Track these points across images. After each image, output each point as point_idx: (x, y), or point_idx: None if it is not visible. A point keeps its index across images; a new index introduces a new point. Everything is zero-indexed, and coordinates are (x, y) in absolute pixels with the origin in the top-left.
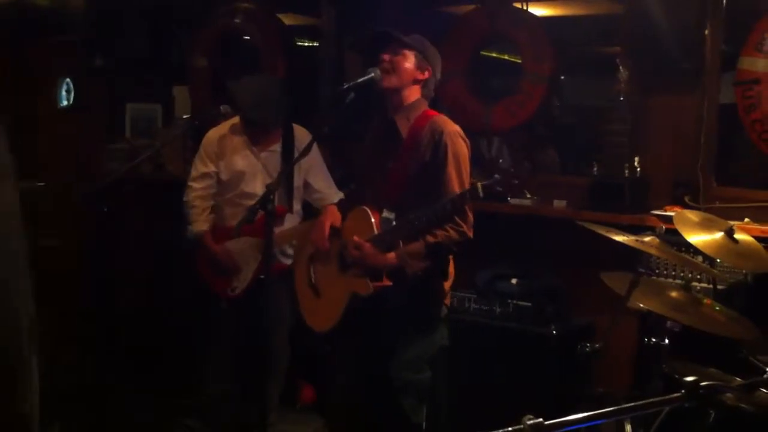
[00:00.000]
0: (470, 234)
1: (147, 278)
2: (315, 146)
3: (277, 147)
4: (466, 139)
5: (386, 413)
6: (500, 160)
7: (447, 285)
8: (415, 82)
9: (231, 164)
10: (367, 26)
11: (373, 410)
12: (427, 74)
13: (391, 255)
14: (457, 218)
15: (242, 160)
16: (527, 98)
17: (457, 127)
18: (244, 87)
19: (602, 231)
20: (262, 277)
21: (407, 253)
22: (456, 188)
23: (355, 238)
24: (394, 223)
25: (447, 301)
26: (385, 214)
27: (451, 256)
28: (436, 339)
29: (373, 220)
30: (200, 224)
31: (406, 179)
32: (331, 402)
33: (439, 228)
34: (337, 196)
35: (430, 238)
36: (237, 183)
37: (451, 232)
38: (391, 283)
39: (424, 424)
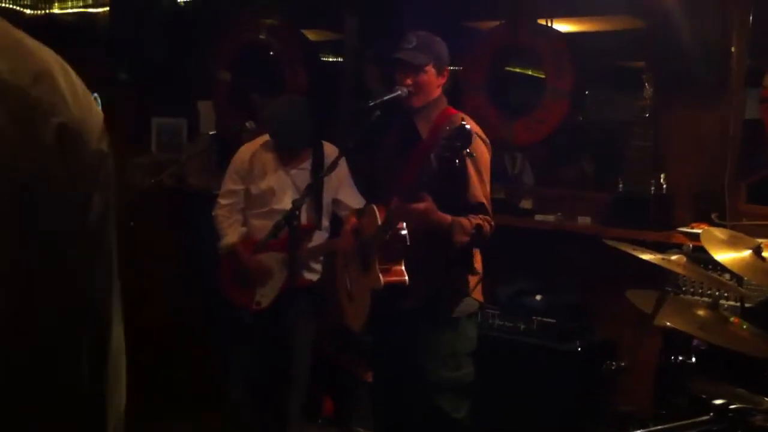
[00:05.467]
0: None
1: (171, 291)
2: (343, 162)
3: (307, 165)
4: (487, 140)
5: (424, 412)
6: (522, 175)
7: (474, 280)
8: (438, 86)
9: (261, 182)
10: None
11: (412, 410)
12: (446, 74)
13: (447, 215)
14: (487, 217)
15: (273, 177)
16: (549, 113)
17: (476, 127)
18: (273, 112)
19: (629, 249)
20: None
21: (457, 222)
22: (476, 187)
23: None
24: None
25: (478, 297)
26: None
27: (478, 254)
28: (466, 334)
29: (378, 215)
30: (231, 236)
31: (416, 177)
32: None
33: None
34: None
35: (472, 218)
36: (267, 200)
37: (485, 223)
38: (406, 280)
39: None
